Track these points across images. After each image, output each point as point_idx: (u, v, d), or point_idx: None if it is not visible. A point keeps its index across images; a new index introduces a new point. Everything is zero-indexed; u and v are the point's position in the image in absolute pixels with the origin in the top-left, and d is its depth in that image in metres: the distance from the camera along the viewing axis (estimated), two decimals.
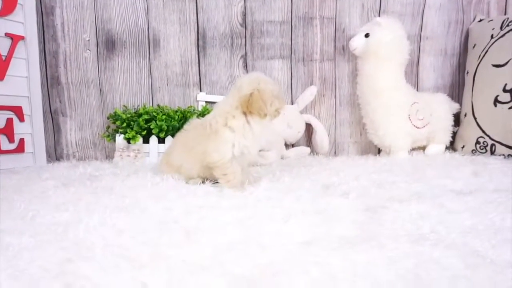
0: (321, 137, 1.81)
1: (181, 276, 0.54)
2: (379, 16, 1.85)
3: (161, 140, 1.63)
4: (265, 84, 1.07)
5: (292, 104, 1.88)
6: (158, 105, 1.75)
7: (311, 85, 1.88)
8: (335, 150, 1.96)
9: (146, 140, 1.64)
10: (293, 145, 1.88)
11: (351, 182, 1.10)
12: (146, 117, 1.59)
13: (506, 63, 1.64)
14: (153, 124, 1.57)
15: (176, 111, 1.66)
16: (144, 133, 1.59)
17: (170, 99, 1.83)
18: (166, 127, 1.57)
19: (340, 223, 0.76)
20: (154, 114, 1.61)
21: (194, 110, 1.73)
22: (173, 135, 1.62)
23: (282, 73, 1.88)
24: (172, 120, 1.60)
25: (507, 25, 1.72)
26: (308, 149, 1.85)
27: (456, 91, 2.00)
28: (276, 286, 0.52)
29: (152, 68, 1.81)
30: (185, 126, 1.22)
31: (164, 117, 1.59)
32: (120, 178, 1.19)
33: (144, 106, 1.73)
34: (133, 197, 0.95)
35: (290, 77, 1.89)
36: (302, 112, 1.85)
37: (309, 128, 1.88)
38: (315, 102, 1.90)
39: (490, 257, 0.59)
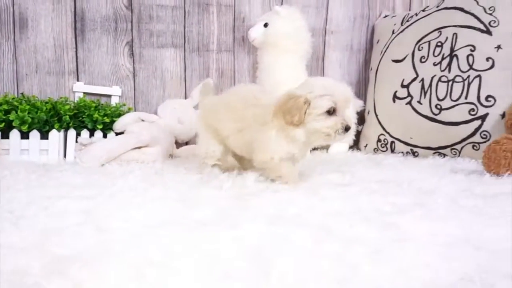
0: None
1: None
2: (281, 5, 2.11)
3: (25, 135, 1.71)
4: None
5: (185, 98, 2.06)
6: (22, 94, 1.83)
7: (207, 77, 2.08)
8: None
9: (6, 136, 1.70)
10: (187, 143, 2.05)
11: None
12: (5, 107, 1.67)
13: (404, 58, 1.98)
14: (13, 114, 1.65)
15: (46, 102, 1.75)
16: (2, 125, 1.66)
17: (40, 88, 1.92)
18: (30, 119, 1.66)
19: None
20: (16, 104, 1.69)
21: (67, 101, 1.83)
22: (39, 129, 1.71)
23: (175, 64, 2.07)
24: (39, 111, 1.69)
25: (407, 21, 2.08)
26: None
27: (362, 88, 2.33)
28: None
29: (17, 52, 1.89)
30: (230, 91, 1.39)
31: (28, 107, 1.67)
32: None
33: (6, 95, 1.79)
34: None
35: (184, 68, 2.08)
36: (196, 107, 2.03)
37: None
38: None
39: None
